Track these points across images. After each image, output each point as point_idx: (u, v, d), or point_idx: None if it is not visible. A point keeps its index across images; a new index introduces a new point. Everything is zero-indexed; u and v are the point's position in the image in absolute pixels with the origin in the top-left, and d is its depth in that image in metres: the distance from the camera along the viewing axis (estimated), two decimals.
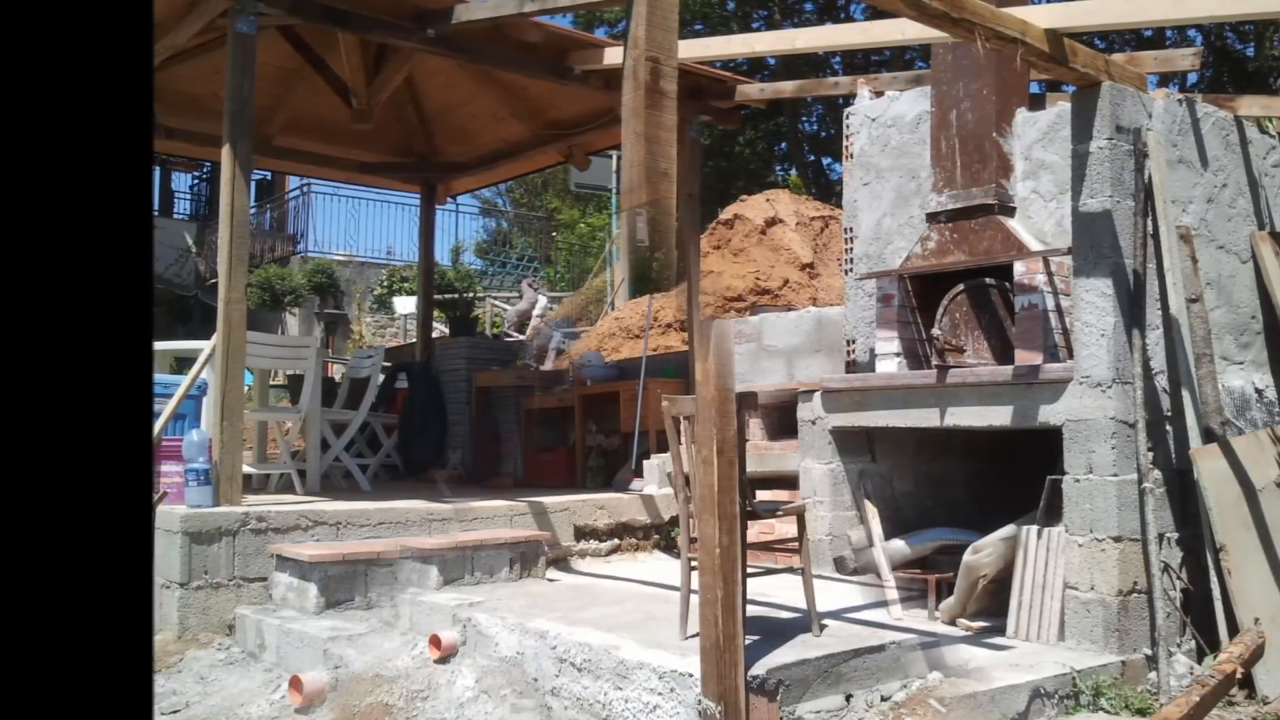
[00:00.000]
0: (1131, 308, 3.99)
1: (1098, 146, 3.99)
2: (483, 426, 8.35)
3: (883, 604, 4.45)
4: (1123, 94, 4.05)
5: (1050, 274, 4.48)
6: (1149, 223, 4.06)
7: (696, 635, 3.32)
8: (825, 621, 3.93)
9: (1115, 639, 3.79)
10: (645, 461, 7.03)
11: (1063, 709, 3.56)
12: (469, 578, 5.13)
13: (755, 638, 3.66)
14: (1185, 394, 4.10)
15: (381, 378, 7.65)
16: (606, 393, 8.18)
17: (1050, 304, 4.45)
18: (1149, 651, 3.84)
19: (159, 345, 6.57)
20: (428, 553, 4.80)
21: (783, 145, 22.45)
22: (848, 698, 3.46)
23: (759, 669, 3.29)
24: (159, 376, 5.77)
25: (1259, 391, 4.87)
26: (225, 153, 5.09)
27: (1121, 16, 4.10)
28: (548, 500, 6.05)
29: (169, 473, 4.94)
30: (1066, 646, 3.92)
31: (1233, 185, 5.06)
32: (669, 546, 6.31)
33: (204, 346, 5.69)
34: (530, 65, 6.23)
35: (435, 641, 4.31)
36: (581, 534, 6.08)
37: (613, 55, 6.13)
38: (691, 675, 3.26)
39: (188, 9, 5.33)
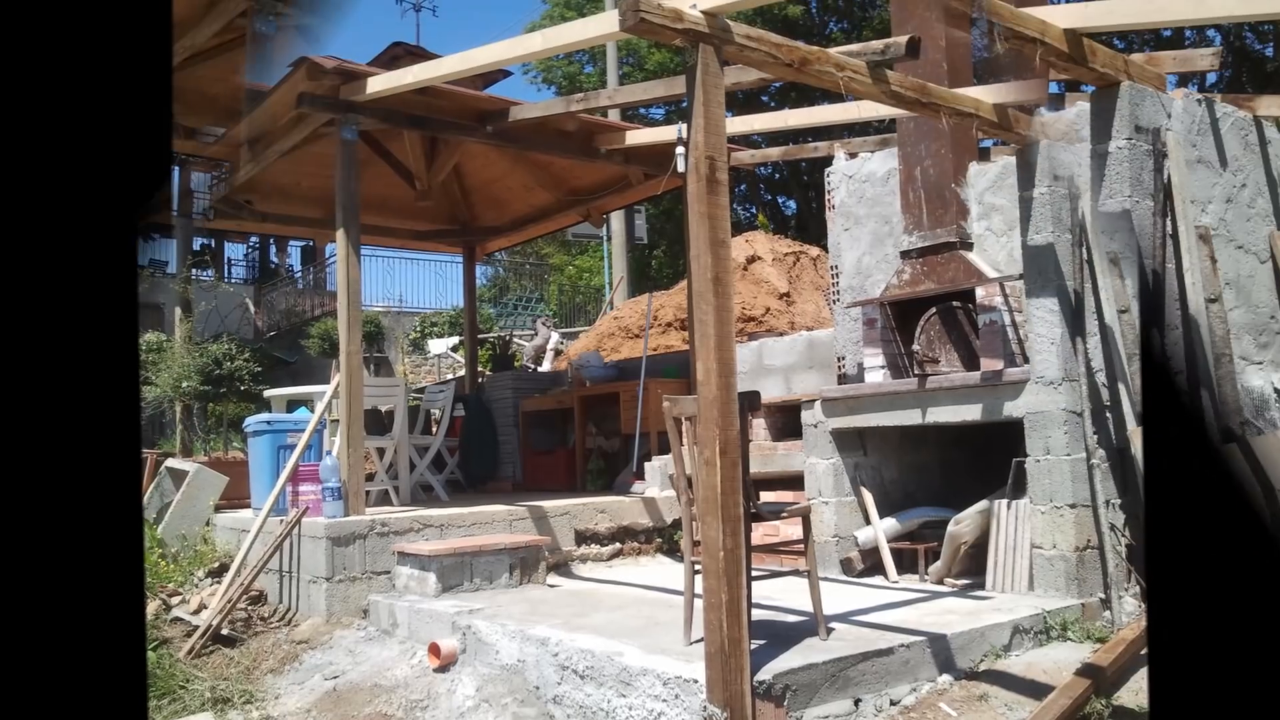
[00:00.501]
0: (1074, 320, 4.61)
1: (1039, 192, 4.39)
2: (529, 444, 9.26)
3: (891, 605, 4.51)
4: (1142, 94, 4.29)
5: (1005, 296, 5.17)
6: (1168, 223, 4.22)
7: (701, 640, 3.34)
8: (832, 625, 3.93)
9: (1075, 586, 4.49)
10: (647, 463, 7.08)
11: (1038, 641, 4.19)
12: (468, 584, 5.19)
13: (761, 642, 3.67)
14: (1121, 386, 4.68)
15: (458, 408, 9.01)
16: (606, 393, 8.23)
17: (1007, 320, 5.17)
18: (1103, 595, 4.51)
19: (279, 391, 7.81)
20: (510, 548, 5.51)
21: (741, 186, 23.47)
22: (856, 702, 3.46)
23: (765, 674, 3.30)
24: (292, 415, 6.92)
25: (1278, 391, 4.87)
26: (340, 236, 6.11)
27: (1140, 16, 4.16)
28: (547, 504, 6.12)
29: (305, 492, 5.87)
30: (1036, 594, 4.61)
31: (1252, 185, 5.09)
32: (672, 550, 6.34)
33: (320, 390, 7.07)
34: (566, 148, 7.33)
35: (434, 650, 4.33)
36: (582, 538, 6.12)
37: (633, 137, 7.21)
38: (696, 681, 3.27)
39: (207, 8, 5.91)
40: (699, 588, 3.41)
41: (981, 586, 4.85)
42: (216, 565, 6.06)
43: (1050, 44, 3.72)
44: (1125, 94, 4.19)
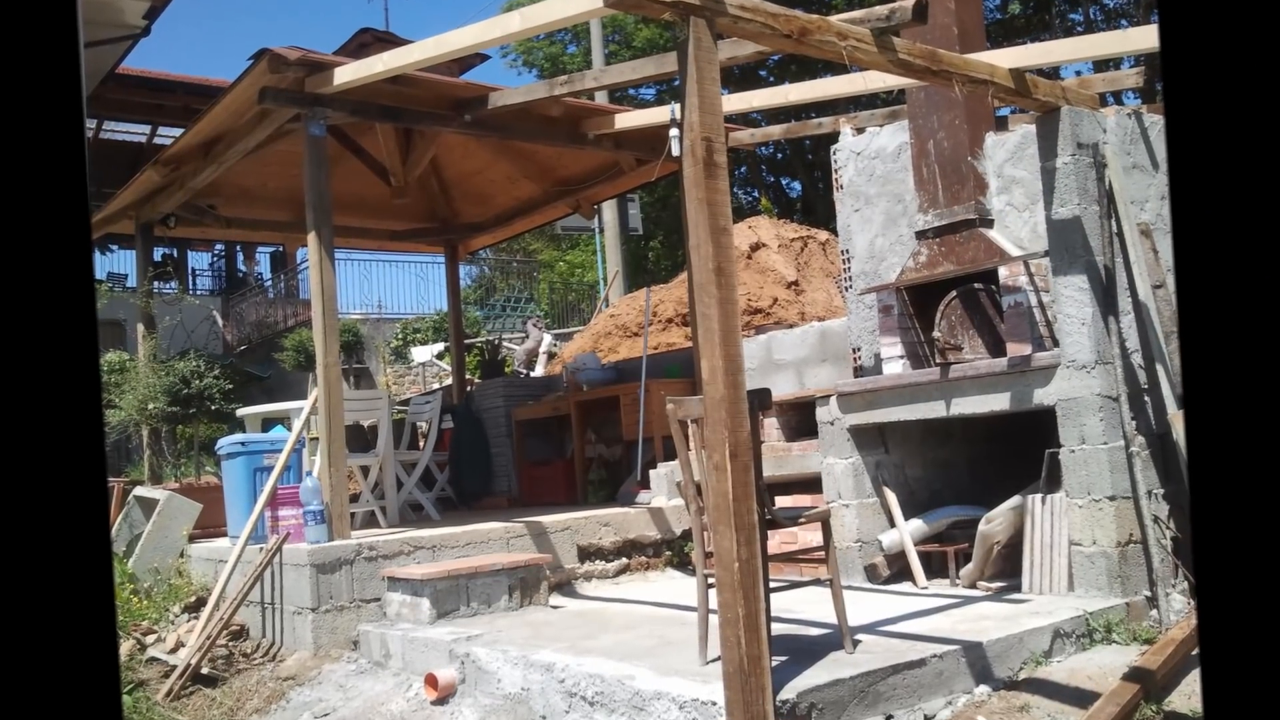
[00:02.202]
0: (1105, 298, 4.74)
1: (1063, 162, 4.79)
2: (524, 455, 9.21)
3: (921, 613, 4.53)
4: (1079, 115, 4.82)
5: (1031, 275, 5.22)
6: (1113, 223, 4.82)
7: (718, 659, 3.34)
8: (859, 636, 3.95)
9: (1118, 584, 4.54)
10: (652, 471, 7.08)
11: (1080, 645, 4.21)
12: (465, 609, 5.20)
13: (783, 658, 3.69)
14: (1159, 368, 4.82)
15: (446, 420, 8.94)
16: (605, 398, 8.22)
17: (1033, 301, 5.18)
18: (1148, 593, 4.58)
19: (252, 409, 7.80)
20: (509, 568, 5.49)
21: (742, 169, 23.76)
22: (888, 718, 3.46)
23: (789, 693, 3.31)
24: (267, 435, 6.90)
25: None
26: (311, 239, 6.06)
27: (1074, 53, 5.24)
28: (547, 519, 6.12)
29: (286, 516, 5.92)
30: (1077, 595, 4.63)
31: None
32: (683, 563, 6.38)
33: (294, 406, 7.12)
34: (551, 136, 7.38)
35: (431, 681, 4.34)
36: (586, 554, 6.12)
37: (623, 120, 7.19)
38: (715, 703, 3.27)
39: (259, 117, 6.38)
40: (713, 602, 3.41)
41: (1018, 589, 4.87)
42: (193, 599, 6.07)
43: (999, 83, 4.40)
44: (1065, 117, 4.75)
